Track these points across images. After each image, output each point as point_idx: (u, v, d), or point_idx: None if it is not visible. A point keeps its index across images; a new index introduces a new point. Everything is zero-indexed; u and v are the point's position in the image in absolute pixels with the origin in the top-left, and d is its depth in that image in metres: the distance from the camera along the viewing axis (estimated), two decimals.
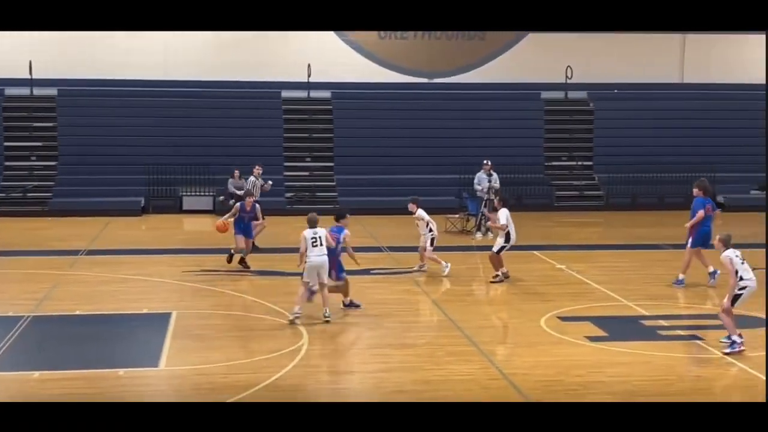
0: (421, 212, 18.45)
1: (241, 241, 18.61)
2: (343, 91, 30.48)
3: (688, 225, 17.43)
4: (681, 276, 17.23)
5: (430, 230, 18.34)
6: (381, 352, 13.07)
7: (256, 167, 22.66)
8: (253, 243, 20.55)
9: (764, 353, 12.19)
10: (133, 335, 13.87)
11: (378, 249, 21.10)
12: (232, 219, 18.63)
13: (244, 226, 18.69)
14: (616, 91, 31.15)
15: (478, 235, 22.91)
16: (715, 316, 14.82)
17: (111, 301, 15.84)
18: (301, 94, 30.43)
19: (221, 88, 30.05)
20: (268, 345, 13.08)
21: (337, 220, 15.43)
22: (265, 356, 12.55)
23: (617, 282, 17.70)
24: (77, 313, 14.92)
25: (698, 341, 13.49)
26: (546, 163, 30.10)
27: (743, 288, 12.65)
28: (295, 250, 21.21)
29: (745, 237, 22.48)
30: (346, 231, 15.14)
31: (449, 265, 18.25)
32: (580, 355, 12.79)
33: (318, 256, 14.33)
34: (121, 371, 11.82)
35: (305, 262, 14.36)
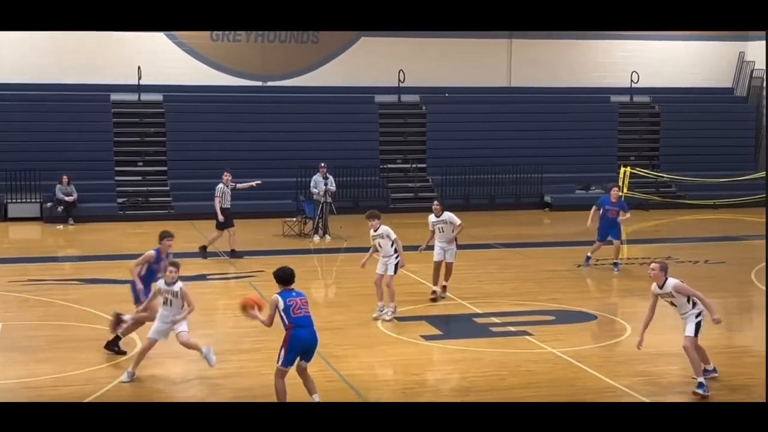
0: (385, 229, 14.98)
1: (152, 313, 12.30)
2: (175, 93, 29.94)
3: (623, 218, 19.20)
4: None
5: (396, 252, 14.96)
6: (218, 358, 12.87)
7: (225, 174, 21.04)
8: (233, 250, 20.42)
9: (589, 346, 12.74)
10: None
11: (215, 254, 20.82)
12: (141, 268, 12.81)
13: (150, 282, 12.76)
14: (446, 94, 31.82)
15: (316, 238, 22.96)
16: (543, 312, 15.40)
17: None
18: (132, 97, 29.71)
19: (47, 90, 28.96)
20: (99, 355, 12.71)
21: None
22: (96, 367, 12.19)
23: (451, 281, 18.03)
24: None
25: (528, 337, 13.95)
26: (381, 166, 30.46)
27: (700, 314, 11.23)
28: (131, 257, 20.64)
29: (571, 236, 23.50)
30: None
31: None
32: (416, 354, 13.02)
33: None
34: None
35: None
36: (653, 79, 32.52)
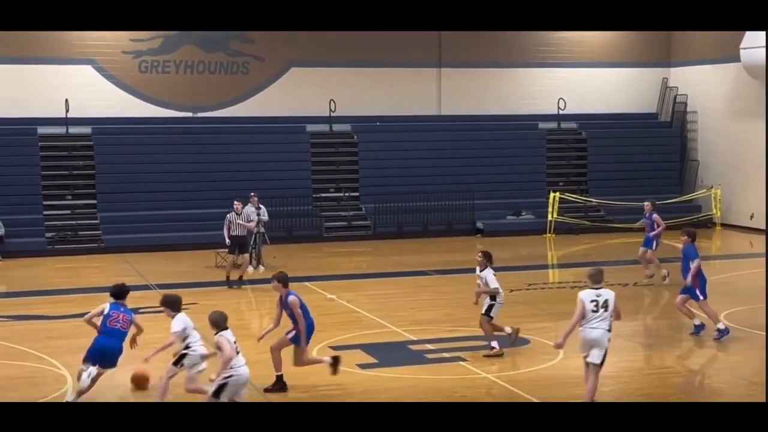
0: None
1: None
2: (104, 126, 29.60)
3: (688, 280, 16.20)
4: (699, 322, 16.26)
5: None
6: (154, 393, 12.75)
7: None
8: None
9: (522, 371, 12.87)
10: None
11: (146, 287, 20.59)
12: None
13: None
14: (378, 123, 31.98)
15: (250, 268, 22.78)
16: (476, 338, 15.50)
17: None
18: (60, 130, 29.30)
19: None
20: (29, 393, 12.47)
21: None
22: None
23: (386, 309, 18.12)
24: None
25: (462, 362, 14.05)
26: (314, 195, 30.45)
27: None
28: (60, 292, 20.16)
29: (503, 261, 23.68)
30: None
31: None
32: (352, 383, 13.00)
33: None
34: None
35: None
36: (579, 106, 33.08)
